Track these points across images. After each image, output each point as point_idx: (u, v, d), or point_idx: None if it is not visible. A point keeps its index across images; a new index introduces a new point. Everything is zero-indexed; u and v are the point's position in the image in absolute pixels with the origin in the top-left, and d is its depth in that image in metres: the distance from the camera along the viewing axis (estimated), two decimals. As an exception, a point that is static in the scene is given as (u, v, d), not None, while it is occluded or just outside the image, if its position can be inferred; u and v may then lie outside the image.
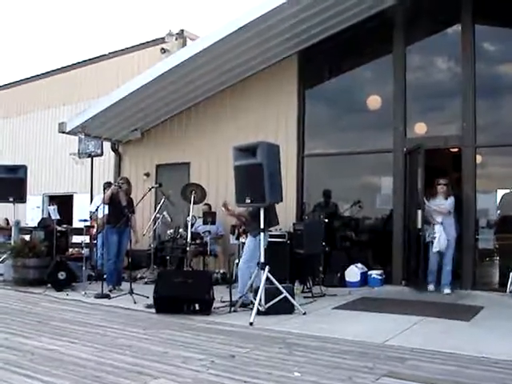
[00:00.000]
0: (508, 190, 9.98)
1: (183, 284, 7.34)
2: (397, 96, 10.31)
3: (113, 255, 9.47)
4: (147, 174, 13.21)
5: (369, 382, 4.31)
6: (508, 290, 8.54)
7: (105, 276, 9.51)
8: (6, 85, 20.87)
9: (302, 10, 9.65)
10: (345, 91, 11.31)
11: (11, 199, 11.28)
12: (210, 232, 10.68)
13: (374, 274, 10.04)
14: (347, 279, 10.02)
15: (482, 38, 9.75)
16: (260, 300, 7.05)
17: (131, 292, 8.43)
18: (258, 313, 6.91)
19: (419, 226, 9.29)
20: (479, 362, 4.85)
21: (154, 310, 7.45)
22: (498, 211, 9.97)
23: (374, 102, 10.88)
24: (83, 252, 10.33)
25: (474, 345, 5.48)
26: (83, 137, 12.93)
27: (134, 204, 9.78)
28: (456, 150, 10.05)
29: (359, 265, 10.16)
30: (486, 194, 9.88)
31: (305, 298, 8.48)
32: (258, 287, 7.13)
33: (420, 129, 10.42)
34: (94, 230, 11.03)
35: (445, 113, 10.30)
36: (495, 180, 10.11)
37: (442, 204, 9.19)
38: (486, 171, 10.00)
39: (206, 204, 11.19)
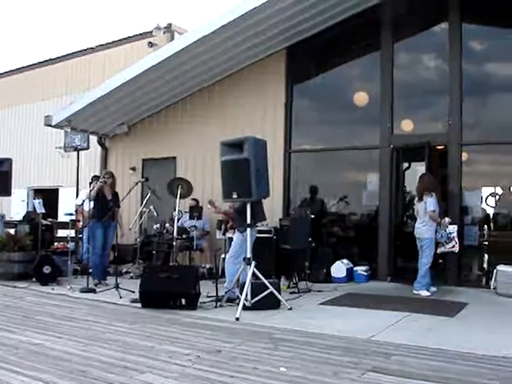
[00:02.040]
0: (492, 189, 10.04)
1: (169, 279, 7.33)
2: (384, 93, 10.35)
3: (98, 249, 9.45)
4: (133, 169, 13.18)
5: (354, 377, 4.33)
6: (492, 287, 8.61)
7: (90, 270, 9.48)
8: (-10, 77, 20.69)
9: (289, 5, 9.65)
10: (332, 87, 11.34)
11: (-4, 192, 11.21)
12: (196, 227, 10.67)
13: (360, 269, 10.08)
14: (333, 275, 10.05)
15: (469, 37, 9.82)
16: (246, 295, 7.06)
17: (117, 286, 8.40)
18: (244, 308, 6.92)
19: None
20: (464, 358, 4.89)
21: (139, 305, 7.44)
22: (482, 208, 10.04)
23: (361, 98, 10.92)
24: (69, 246, 10.28)
25: (458, 340, 5.52)
26: (69, 130, 12.85)
27: (120, 198, 9.76)
28: (442, 147, 10.11)
29: (345, 260, 10.19)
30: (471, 191, 9.94)
31: (291, 293, 8.51)
32: (245, 282, 7.14)
33: (406, 126, 10.49)
34: (80, 223, 10.98)
35: (431, 110, 10.35)
36: (480, 177, 10.18)
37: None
38: (472, 168, 10.08)
39: (193, 199, 11.17)
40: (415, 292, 8.54)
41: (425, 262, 8.57)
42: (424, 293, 8.46)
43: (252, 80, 11.63)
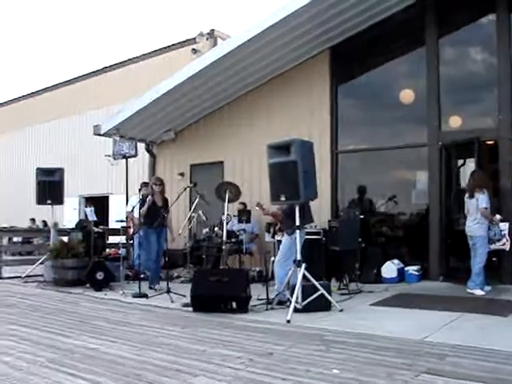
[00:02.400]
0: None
1: (220, 282, 7.37)
2: (430, 89, 10.20)
3: (154, 255, 9.60)
4: (182, 174, 13.33)
5: (408, 378, 4.27)
6: (548, 285, 8.38)
7: (142, 276, 9.65)
8: (41, 90, 21.30)
9: (332, 5, 9.62)
10: (377, 86, 11.22)
11: (49, 201, 11.51)
12: (245, 230, 10.71)
13: (411, 269, 9.95)
14: (384, 275, 9.96)
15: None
16: (297, 297, 7.06)
17: (168, 291, 8.51)
18: (295, 310, 6.90)
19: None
20: (520, 358, 4.78)
21: (191, 309, 7.51)
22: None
23: (407, 96, 10.77)
24: (120, 252, 10.46)
25: (513, 341, 5.40)
26: (118, 138, 13.08)
27: (169, 203, 9.90)
28: (492, 142, 9.90)
29: (395, 261, 10.08)
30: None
31: (341, 294, 8.45)
32: (295, 285, 7.13)
33: (455, 122, 10.30)
34: (131, 230, 11.15)
35: (480, 105, 10.15)
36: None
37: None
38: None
39: (241, 203, 11.21)
40: (469, 291, 8.39)
41: (478, 260, 8.39)
42: (478, 292, 8.30)
43: (296, 82, 11.63)
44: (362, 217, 9.87)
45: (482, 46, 10.25)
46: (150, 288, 9.43)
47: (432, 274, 9.97)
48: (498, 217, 8.49)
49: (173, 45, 16.16)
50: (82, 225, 12.31)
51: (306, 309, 7.07)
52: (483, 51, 10.27)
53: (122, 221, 10.90)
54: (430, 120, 10.17)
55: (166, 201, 9.91)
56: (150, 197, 9.67)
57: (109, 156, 15.50)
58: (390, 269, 9.97)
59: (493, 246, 8.52)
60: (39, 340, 5.83)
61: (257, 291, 7.98)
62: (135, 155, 14.89)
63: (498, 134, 9.49)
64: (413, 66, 10.88)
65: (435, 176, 10.07)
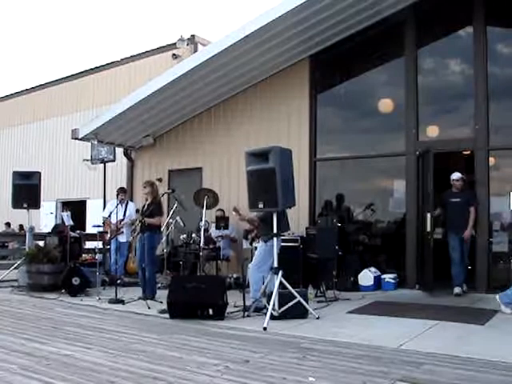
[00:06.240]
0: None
1: (197, 289, 7.35)
2: (409, 99, 10.28)
3: (138, 262, 9.34)
4: (160, 180, 13.23)
5: (384, 386, 4.30)
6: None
7: (118, 281, 9.54)
8: (18, 92, 21.08)
9: (313, 14, 9.64)
10: (357, 95, 11.28)
11: (25, 205, 11.38)
12: (222, 237, 10.68)
13: (388, 277, 10.00)
14: (361, 283, 10.00)
15: (494, 40, 9.71)
16: (273, 305, 7.05)
17: (145, 297, 8.45)
18: (272, 317, 6.90)
19: (428, 229, 9.23)
20: (495, 367, 4.81)
21: (167, 316, 7.47)
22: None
23: (386, 105, 10.86)
24: (97, 257, 10.36)
25: (489, 349, 5.44)
26: (96, 143, 13.00)
27: (159, 205, 9.33)
28: (469, 152, 10.00)
29: (372, 269, 10.12)
30: (499, 196, 9.80)
31: (318, 302, 8.46)
32: (272, 292, 7.12)
33: (432, 131, 10.40)
34: (108, 235, 11.07)
35: (457, 115, 10.25)
36: (509, 182, 10.02)
37: None
38: (500, 173, 9.95)
39: (219, 209, 11.19)
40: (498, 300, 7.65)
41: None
42: (507, 310, 7.50)
43: (276, 89, 11.65)
44: (339, 225, 9.89)
45: (459, 57, 10.36)
46: (145, 299, 8.78)
47: (408, 282, 10.03)
48: None
49: (153, 50, 16.10)
50: (58, 229, 12.18)
51: (283, 316, 7.08)
52: (461, 62, 10.38)
53: (98, 226, 10.82)
54: (408, 129, 10.25)
55: (151, 204, 9.12)
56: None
57: (87, 160, 15.41)
58: (366, 277, 10.01)
59: None
60: (12, 346, 5.75)
61: (234, 298, 7.97)
62: (113, 160, 14.82)
63: (474, 144, 9.60)
64: (392, 75, 10.96)
65: (412, 185, 10.13)
